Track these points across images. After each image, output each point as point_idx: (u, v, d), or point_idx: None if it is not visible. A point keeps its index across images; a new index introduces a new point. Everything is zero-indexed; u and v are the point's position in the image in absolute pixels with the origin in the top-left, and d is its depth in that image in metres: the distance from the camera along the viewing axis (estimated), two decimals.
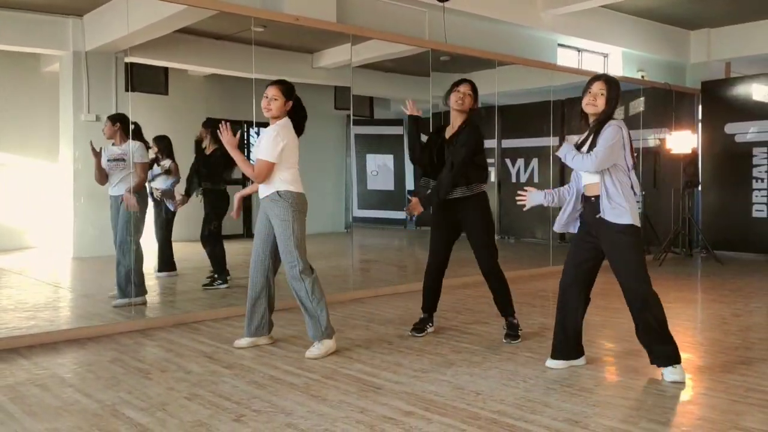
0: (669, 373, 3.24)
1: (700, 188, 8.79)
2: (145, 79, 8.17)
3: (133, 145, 5.03)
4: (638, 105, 8.76)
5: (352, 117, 6.50)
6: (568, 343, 3.48)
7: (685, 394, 3.10)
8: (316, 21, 5.37)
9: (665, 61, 9.14)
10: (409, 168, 11.64)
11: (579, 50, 8.52)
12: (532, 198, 3.57)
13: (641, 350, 3.79)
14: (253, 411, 2.85)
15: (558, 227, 3.51)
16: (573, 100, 9.22)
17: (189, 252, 6.33)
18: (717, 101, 8.75)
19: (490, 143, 8.75)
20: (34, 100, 7.35)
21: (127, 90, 6.99)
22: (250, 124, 5.72)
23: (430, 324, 4.31)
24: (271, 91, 3.77)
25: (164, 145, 5.86)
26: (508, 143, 9.55)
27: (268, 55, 8.14)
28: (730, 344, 4.02)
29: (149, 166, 5.38)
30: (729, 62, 9.29)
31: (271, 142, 3.71)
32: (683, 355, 3.74)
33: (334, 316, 4.87)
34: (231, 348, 3.89)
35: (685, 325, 4.66)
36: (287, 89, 3.81)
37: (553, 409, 2.86)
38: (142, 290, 5.01)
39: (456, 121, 4.11)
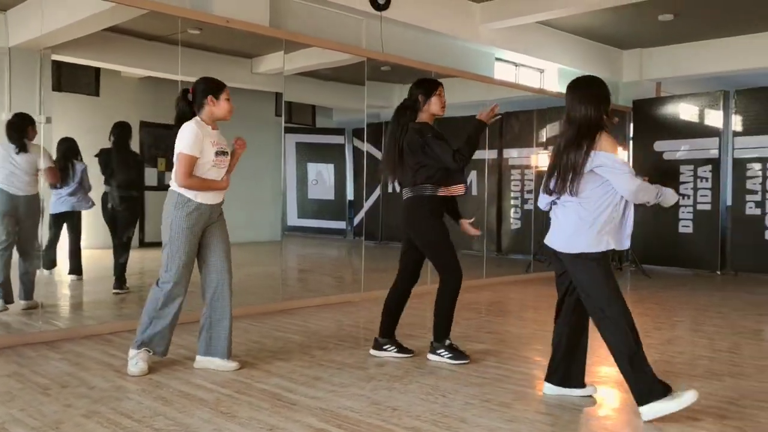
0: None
1: None
2: (73, 79, 7.86)
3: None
4: None
5: (283, 124, 6.36)
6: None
7: (602, 410, 3.09)
8: (247, 24, 5.24)
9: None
10: (350, 177, 11.58)
11: (516, 65, 8.64)
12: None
13: None
14: (154, 430, 2.69)
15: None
16: (510, 114, 9.40)
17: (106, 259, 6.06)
18: (647, 119, 9.01)
19: None
20: None
21: (53, 89, 6.68)
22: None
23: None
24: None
25: (65, 148, 5.63)
26: None
27: (206, 59, 7.94)
28: (649, 358, 4.06)
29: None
30: (659, 82, 9.59)
31: None
32: (605, 369, 3.77)
33: (260, 327, 4.74)
34: None
35: None
36: None
37: (468, 425, 2.81)
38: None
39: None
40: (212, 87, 3.55)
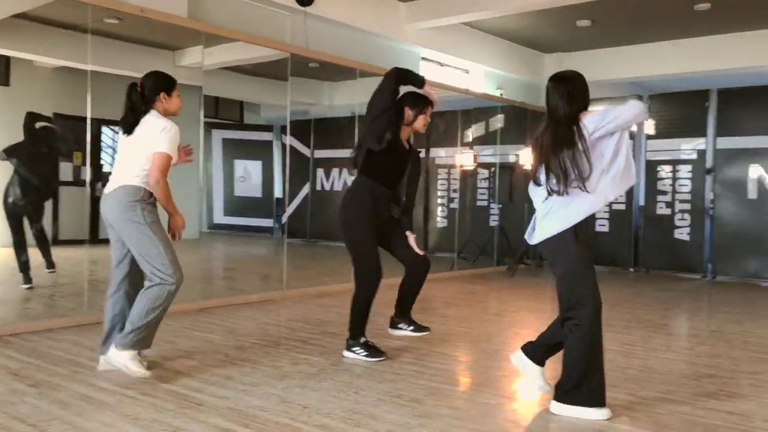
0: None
1: None
2: None
3: None
4: (497, 121, 9.12)
5: (203, 119, 6.22)
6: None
7: (511, 404, 3.16)
8: (163, 14, 5.08)
9: (523, 80, 9.58)
10: (278, 175, 11.44)
11: (441, 65, 8.73)
12: None
13: (483, 360, 3.86)
14: None
15: None
16: (435, 113, 9.47)
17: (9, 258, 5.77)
18: None
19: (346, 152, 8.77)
20: None
21: None
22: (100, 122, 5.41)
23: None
24: None
25: None
26: None
27: (126, 50, 7.68)
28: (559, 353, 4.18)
29: None
30: None
31: None
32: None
33: (174, 326, 4.60)
34: (44, 364, 3.53)
35: (524, 333, 4.82)
36: None
37: (377, 421, 2.81)
38: None
39: (405, 134, 3.92)
40: (165, 83, 3.45)
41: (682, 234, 8.28)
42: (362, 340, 3.84)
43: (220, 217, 11.48)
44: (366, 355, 3.80)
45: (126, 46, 7.60)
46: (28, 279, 5.49)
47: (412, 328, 4.00)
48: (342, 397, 3.12)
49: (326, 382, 3.35)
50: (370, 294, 3.80)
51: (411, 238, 3.96)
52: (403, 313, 4.02)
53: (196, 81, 8.15)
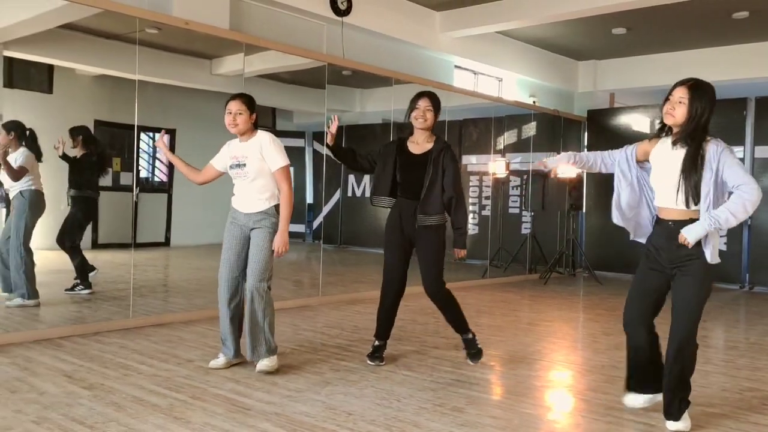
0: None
1: (584, 211, 9.24)
2: (26, 76, 7.68)
3: (21, 151, 5.10)
4: (530, 129, 9.13)
5: None
6: (645, 376, 3.16)
7: (551, 414, 3.18)
8: (207, 27, 5.21)
9: (555, 88, 9.57)
10: (309, 180, 11.57)
11: (475, 73, 8.77)
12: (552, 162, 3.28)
13: (521, 370, 3.89)
14: None
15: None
16: (468, 120, 9.54)
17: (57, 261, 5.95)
18: (601, 129, 9.26)
19: None
20: None
21: (5, 86, 6.57)
22: (139, 129, 5.52)
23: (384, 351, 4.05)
24: (235, 106, 3.65)
25: None
26: None
27: (164, 59, 7.86)
28: (597, 362, 4.20)
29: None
30: (613, 93, 9.86)
31: (279, 147, 3.72)
32: (556, 374, 3.88)
33: (216, 332, 4.70)
34: (95, 366, 3.65)
35: (561, 343, 4.84)
36: (251, 101, 3.72)
37: (421, 429, 2.86)
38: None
39: (420, 137, 3.89)
40: None
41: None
42: (375, 342, 4.02)
43: None
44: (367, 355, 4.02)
45: (163, 55, 7.79)
46: (87, 284, 5.69)
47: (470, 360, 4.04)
48: (384, 405, 3.17)
49: (368, 390, 3.41)
50: (381, 300, 4.00)
51: (456, 253, 3.95)
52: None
53: (232, 89, 8.29)
